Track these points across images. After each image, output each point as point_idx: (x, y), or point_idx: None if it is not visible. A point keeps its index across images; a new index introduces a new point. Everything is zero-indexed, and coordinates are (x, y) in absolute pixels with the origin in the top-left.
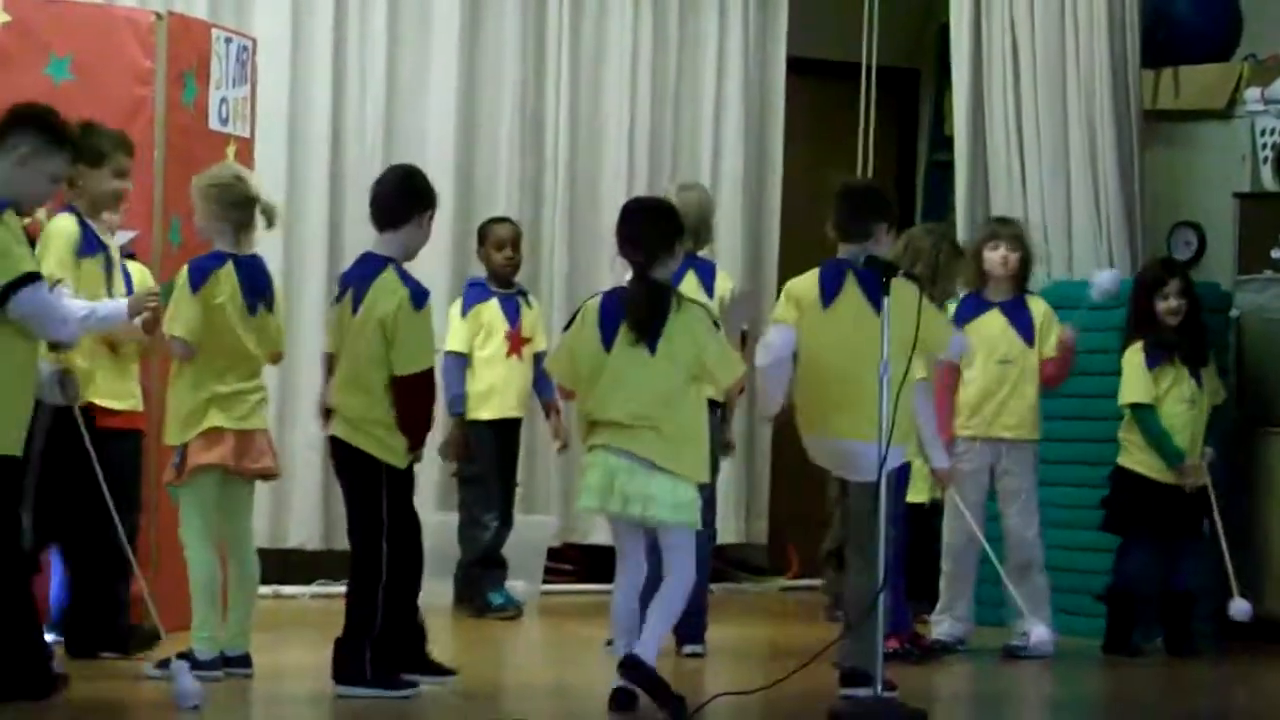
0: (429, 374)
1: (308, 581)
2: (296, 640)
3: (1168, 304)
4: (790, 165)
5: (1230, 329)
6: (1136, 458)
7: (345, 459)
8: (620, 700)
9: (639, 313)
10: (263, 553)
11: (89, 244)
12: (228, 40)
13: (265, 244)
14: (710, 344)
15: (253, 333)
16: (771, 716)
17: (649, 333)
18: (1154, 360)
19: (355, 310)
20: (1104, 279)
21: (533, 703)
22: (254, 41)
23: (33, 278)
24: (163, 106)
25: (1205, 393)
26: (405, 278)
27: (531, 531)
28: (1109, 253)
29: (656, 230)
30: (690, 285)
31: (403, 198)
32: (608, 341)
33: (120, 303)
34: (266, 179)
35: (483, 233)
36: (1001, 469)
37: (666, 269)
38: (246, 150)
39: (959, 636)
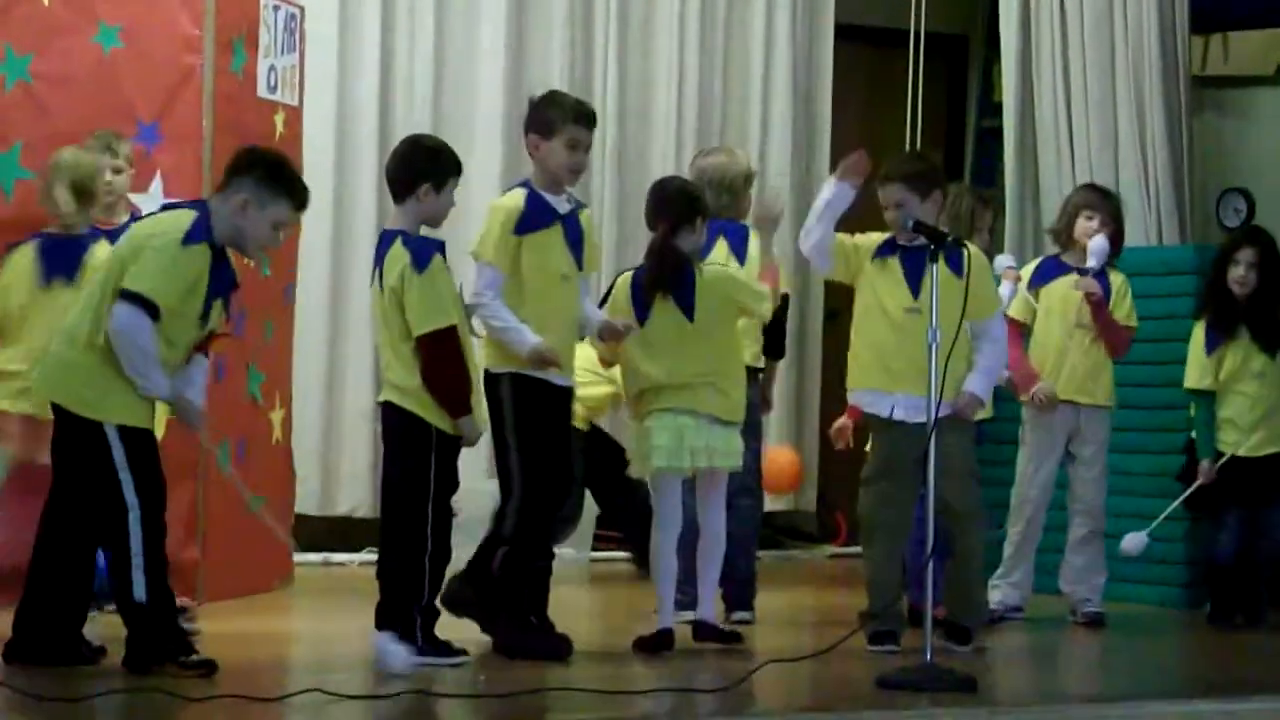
0: (449, 332)
1: (357, 549)
2: (345, 607)
3: (1236, 272)
4: (839, 133)
5: None
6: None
7: (396, 423)
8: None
9: (656, 270)
10: (312, 520)
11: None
12: (276, 8)
13: (313, 212)
14: (738, 289)
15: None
16: (820, 683)
17: (676, 295)
18: (1215, 339)
19: (377, 285)
20: (1095, 244)
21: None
22: (302, 9)
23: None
24: (211, 75)
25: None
26: (407, 243)
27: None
28: (1157, 219)
29: (675, 206)
30: (720, 251)
31: (404, 170)
32: (642, 314)
33: None
34: (314, 147)
35: None
36: (1079, 439)
37: (688, 242)
38: (295, 119)
39: (1017, 604)
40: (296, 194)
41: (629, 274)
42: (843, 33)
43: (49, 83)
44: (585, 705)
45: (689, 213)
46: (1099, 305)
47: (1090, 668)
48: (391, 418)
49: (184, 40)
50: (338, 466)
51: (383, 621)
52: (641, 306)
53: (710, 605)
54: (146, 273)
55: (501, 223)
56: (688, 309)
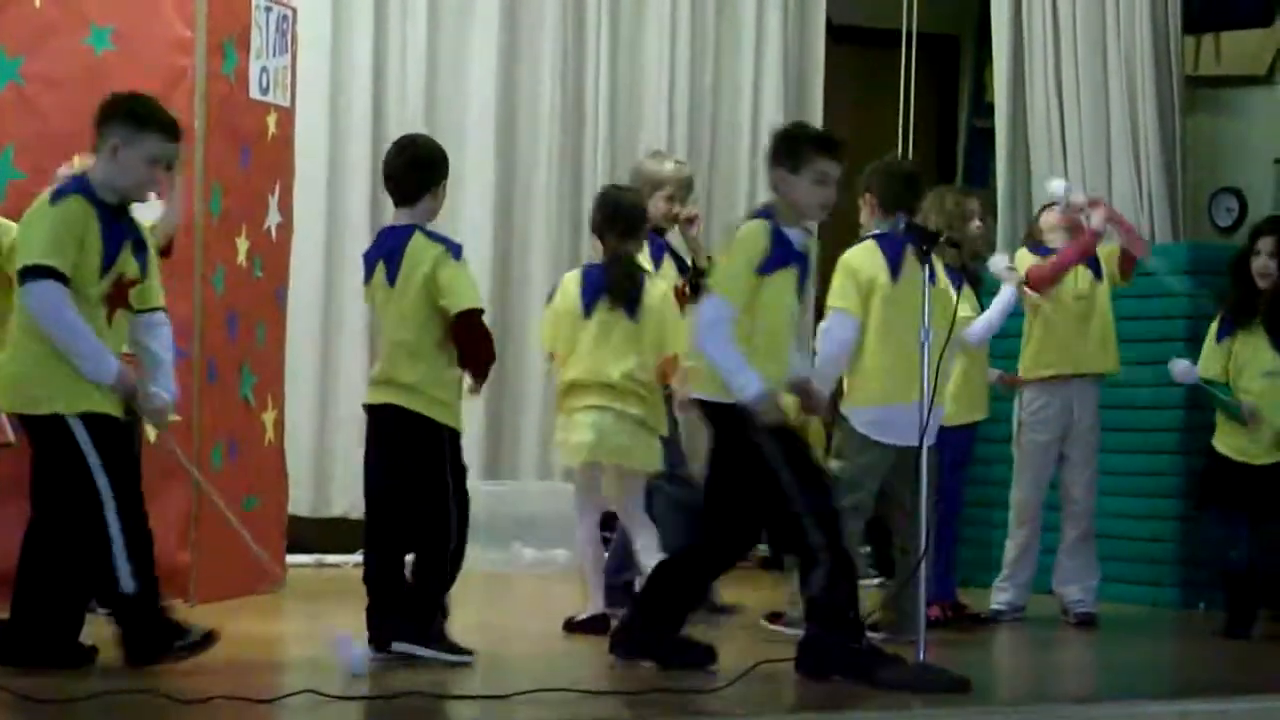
0: (480, 314)
1: (350, 551)
2: (338, 609)
3: (1258, 262)
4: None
5: None
6: (1220, 438)
7: (403, 426)
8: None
9: (617, 286)
10: (305, 522)
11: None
12: (268, 9)
13: (306, 213)
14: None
15: None
16: (813, 684)
17: (628, 302)
18: (1227, 328)
19: (392, 282)
20: (1055, 186)
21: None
22: (294, 10)
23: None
24: (203, 76)
25: None
26: (434, 236)
27: (563, 499)
28: (1150, 219)
29: (625, 218)
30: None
31: (420, 170)
32: (587, 310)
33: None
34: (307, 148)
35: None
36: (1073, 436)
37: (630, 249)
38: (287, 120)
39: (1019, 605)
40: (161, 124)
41: (578, 271)
42: (834, 33)
43: (41, 84)
44: (580, 706)
45: (637, 224)
46: (1122, 220)
47: (1084, 668)
48: (397, 421)
49: (175, 42)
50: (331, 468)
51: (396, 628)
52: (588, 304)
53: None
54: (30, 242)
55: (746, 261)
56: (632, 311)
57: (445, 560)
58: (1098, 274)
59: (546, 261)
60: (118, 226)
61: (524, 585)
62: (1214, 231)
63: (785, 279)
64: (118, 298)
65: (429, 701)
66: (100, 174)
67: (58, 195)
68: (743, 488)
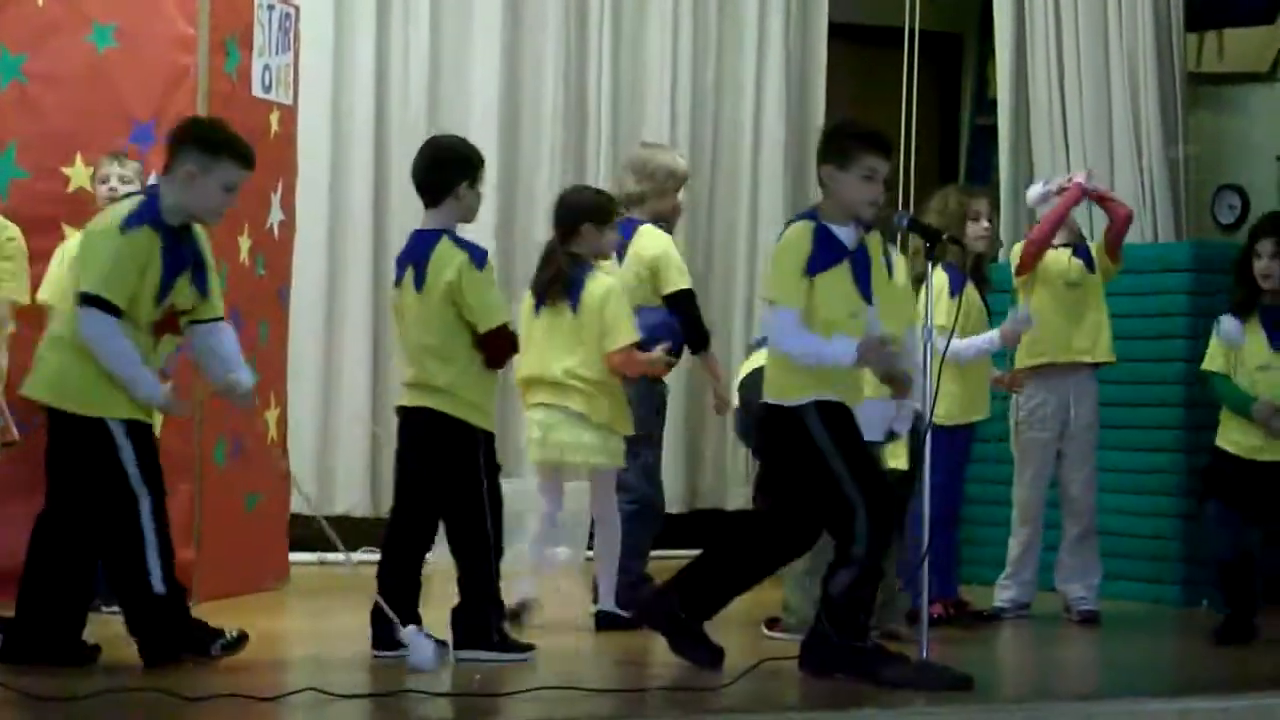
0: (507, 330)
1: (353, 549)
2: (341, 607)
3: (1260, 265)
4: None
5: None
6: (1224, 435)
7: (436, 429)
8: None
9: (547, 282)
10: (308, 520)
11: None
12: (270, 7)
13: (307, 213)
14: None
15: None
16: (817, 681)
17: (569, 298)
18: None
19: (419, 287)
20: (1032, 192)
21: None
22: (297, 9)
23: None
24: (205, 74)
25: None
26: (460, 243)
27: (576, 498)
28: (1152, 217)
29: (567, 213)
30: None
31: (438, 171)
32: (537, 306)
33: None
34: (309, 147)
35: None
36: (1069, 433)
37: (580, 246)
38: (289, 118)
39: (1024, 602)
40: (237, 151)
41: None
42: (836, 31)
43: (43, 82)
44: (584, 704)
45: (576, 222)
46: (1101, 197)
47: (1086, 665)
48: (431, 424)
49: (178, 40)
50: (333, 467)
51: (465, 636)
52: (538, 301)
53: (611, 595)
54: (93, 268)
55: (793, 264)
56: (575, 307)
57: (487, 559)
58: (1090, 266)
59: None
60: (180, 252)
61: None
62: (1216, 229)
63: (837, 278)
64: (167, 325)
65: (431, 699)
66: (171, 198)
67: (130, 223)
68: (800, 487)
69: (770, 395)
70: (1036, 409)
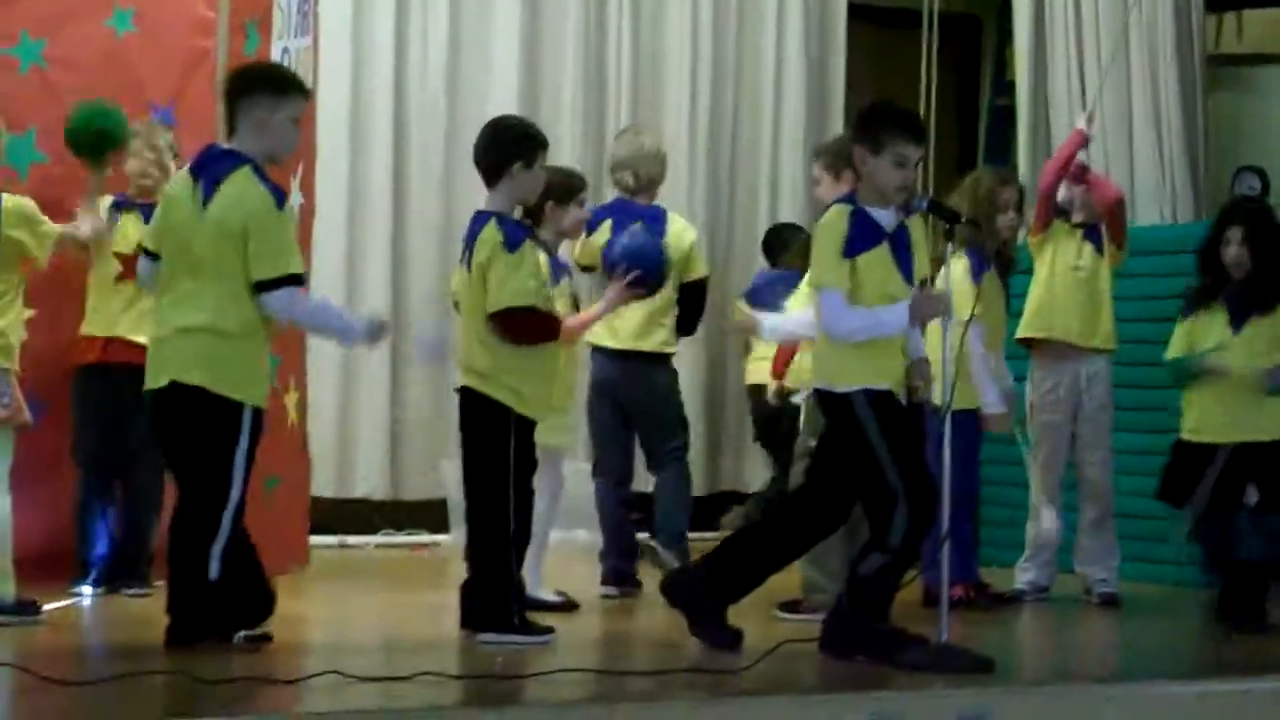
0: (525, 310)
1: (373, 532)
2: (361, 590)
3: (1230, 252)
4: (852, 113)
5: None
6: (1185, 424)
7: (475, 408)
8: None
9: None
10: (328, 502)
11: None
12: None
13: (327, 194)
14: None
15: None
16: (836, 664)
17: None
18: (1189, 308)
19: (469, 268)
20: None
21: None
22: None
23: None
24: (224, 58)
25: (1247, 345)
26: (503, 225)
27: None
28: (1172, 197)
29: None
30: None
31: (493, 152)
32: None
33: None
34: (328, 129)
35: None
36: (1083, 415)
37: (544, 228)
38: (308, 101)
39: (1044, 584)
40: (296, 84)
41: None
42: (855, 12)
43: (63, 67)
44: (604, 686)
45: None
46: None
47: (1105, 648)
48: (470, 402)
49: (197, 23)
50: (354, 450)
51: (478, 617)
52: None
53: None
54: (278, 251)
55: (832, 248)
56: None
57: (504, 542)
58: (1099, 248)
59: (569, 243)
60: None
61: (547, 565)
62: None
63: (878, 259)
64: None
65: (449, 681)
66: (256, 152)
67: (279, 201)
68: (844, 471)
69: (820, 380)
70: (1048, 392)
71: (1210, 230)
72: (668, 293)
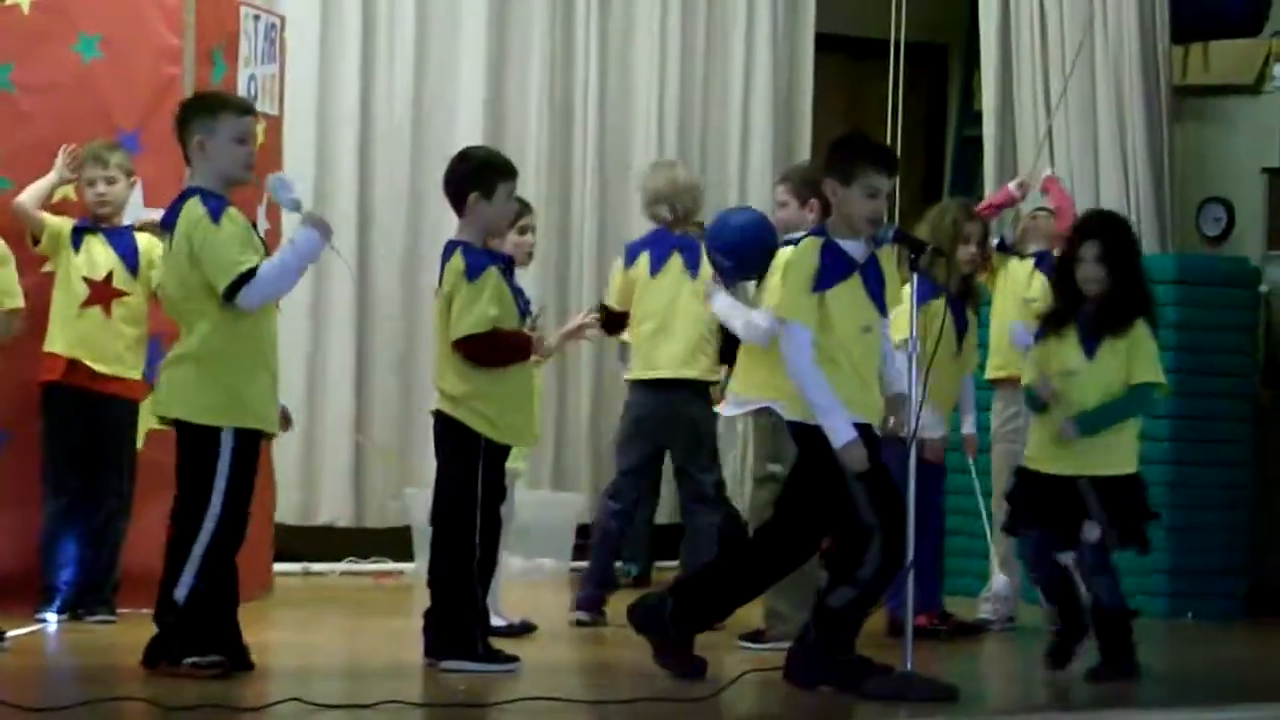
0: (487, 335)
1: (337, 559)
2: (325, 617)
3: (1083, 269)
4: (819, 142)
5: (1260, 305)
6: (1025, 450)
7: (445, 432)
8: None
9: None
10: (292, 529)
11: None
12: (256, 17)
13: (292, 221)
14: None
15: None
16: (798, 693)
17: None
18: (1040, 331)
19: (438, 296)
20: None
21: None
22: (282, 19)
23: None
24: (191, 84)
25: (1098, 372)
26: (466, 253)
27: (561, 509)
28: (1137, 228)
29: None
30: (676, 266)
31: (451, 183)
32: None
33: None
34: (295, 157)
35: None
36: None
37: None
38: (275, 128)
39: (1007, 614)
40: (231, 102)
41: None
42: (823, 43)
43: (29, 92)
44: (568, 714)
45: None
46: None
47: (1071, 677)
48: (441, 426)
49: (164, 50)
50: (318, 476)
51: (442, 645)
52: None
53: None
54: (224, 258)
55: (801, 281)
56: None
57: (468, 569)
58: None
59: (535, 266)
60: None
61: (512, 593)
62: (1201, 241)
63: (849, 291)
64: None
65: (412, 709)
66: (206, 177)
67: (213, 214)
68: (816, 503)
69: (794, 413)
70: (1009, 420)
71: (1065, 247)
72: (710, 320)
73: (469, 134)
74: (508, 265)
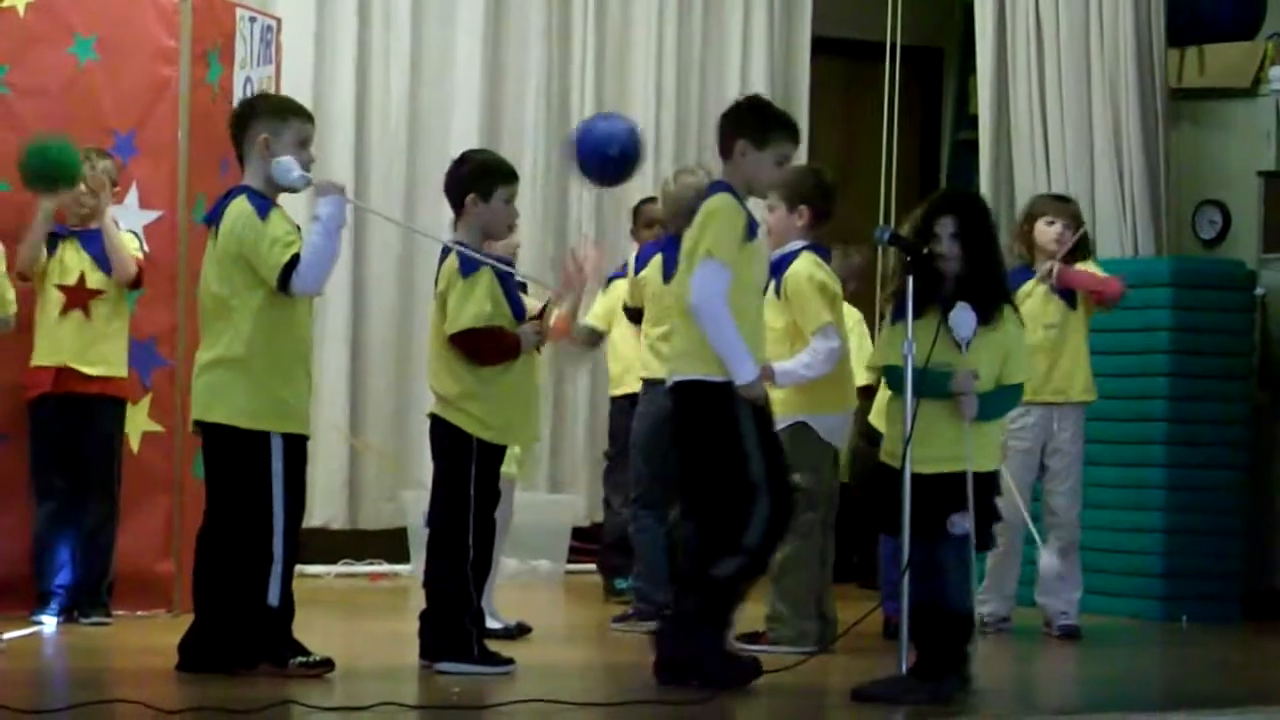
0: (484, 330)
1: (332, 561)
2: (319, 619)
3: (939, 247)
4: (815, 145)
5: (1255, 307)
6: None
7: (440, 434)
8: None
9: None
10: None
11: None
12: (252, 19)
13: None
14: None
15: None
16: (794, 696)
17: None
18: (896, 314)
19: (435, 297)
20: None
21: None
22: (278, 21)
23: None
24: (186, 86)
25: (972, 357)
26: (462, 253)
27: (557, 511)
28: (1133, 231)
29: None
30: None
31: (449, 187)
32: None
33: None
34: None
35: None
36: (1053, 446)
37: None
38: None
39: (1003, 615)
40: (295, 106)
41: None
42: (819, 45)
43: (24, 94)
44: (563, 717)
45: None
46: (1074, 276)
47: (1066, 680)
48: (436, 428)
49: (159, 52)
50: (312, 479)
51: (437, 647)
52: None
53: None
54: (269, 252)
55: (733, 229)
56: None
57: (462, 571)
58: (1071, 304)
59: (532, 269)
60: None
61: (506, 595)
62: (1197, 244)
63: (757, 251)
64: None
65: (407, 711)
66: (256, 178)
67: (261, 211)
68: (709, 469)
69: (692, 370)
70: (1017, 419)
71: (919, 223)
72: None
73: (464, 136)
74: (508, 267)
